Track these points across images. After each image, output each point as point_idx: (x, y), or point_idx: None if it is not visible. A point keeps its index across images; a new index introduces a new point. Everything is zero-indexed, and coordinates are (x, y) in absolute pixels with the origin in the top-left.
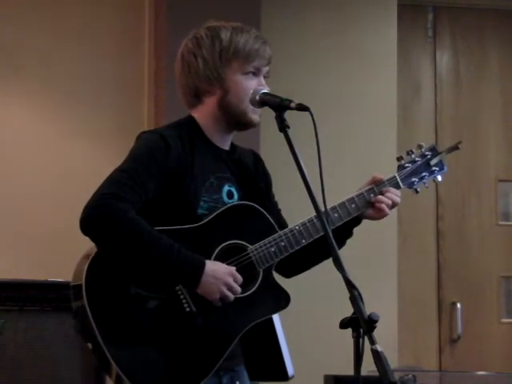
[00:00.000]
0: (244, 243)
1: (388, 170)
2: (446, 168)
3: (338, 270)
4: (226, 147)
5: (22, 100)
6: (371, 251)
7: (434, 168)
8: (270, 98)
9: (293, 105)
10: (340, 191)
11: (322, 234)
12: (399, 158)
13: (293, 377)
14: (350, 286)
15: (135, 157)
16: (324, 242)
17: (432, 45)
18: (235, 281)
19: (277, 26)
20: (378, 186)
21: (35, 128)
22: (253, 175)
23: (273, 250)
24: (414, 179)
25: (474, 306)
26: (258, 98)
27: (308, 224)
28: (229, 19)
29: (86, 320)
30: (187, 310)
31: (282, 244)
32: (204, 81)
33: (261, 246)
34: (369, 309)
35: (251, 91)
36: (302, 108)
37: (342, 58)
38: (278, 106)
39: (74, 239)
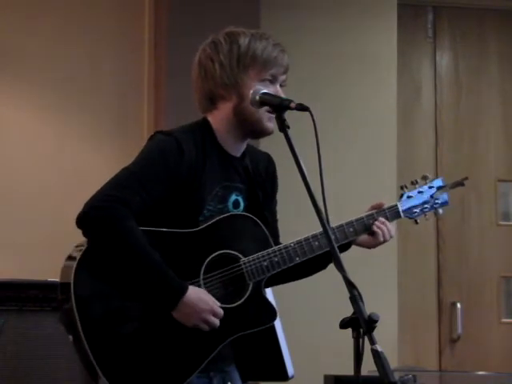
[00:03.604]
0: (237, 254)
1: (387, 171)
2: (449, 202)
3: (338, 270)
4: (238, 154)
5: (21, 102)
6: (371, 251)
7: (436, 201)
8: (270, 98)
9: (293, 105)
10: (339, 191)
11: (316, 253)
12: (403, 187)
13: (293, 377)
14: (350, 286)
15: (146, 158)
16: (313, 261)
17: (432, 45)
18: (215, 315)
19: (276, 27)
20: (378, 212)
21: (35, 130)
22: (261, 183)
23: (265, 264)
24: (415, 210)
25: (473, 306)
26: (257, 97)
27: (304, 243)
28: (228, 22)
29: (72, 318)
30: None
31: (276, 260)
32: (220, 86)
33: (254, 259)
34: (369, 309)
35: (251, 91)
36: (302, 108)
37: (342, 58)
38: (278, 106)
39: (74, 239)
